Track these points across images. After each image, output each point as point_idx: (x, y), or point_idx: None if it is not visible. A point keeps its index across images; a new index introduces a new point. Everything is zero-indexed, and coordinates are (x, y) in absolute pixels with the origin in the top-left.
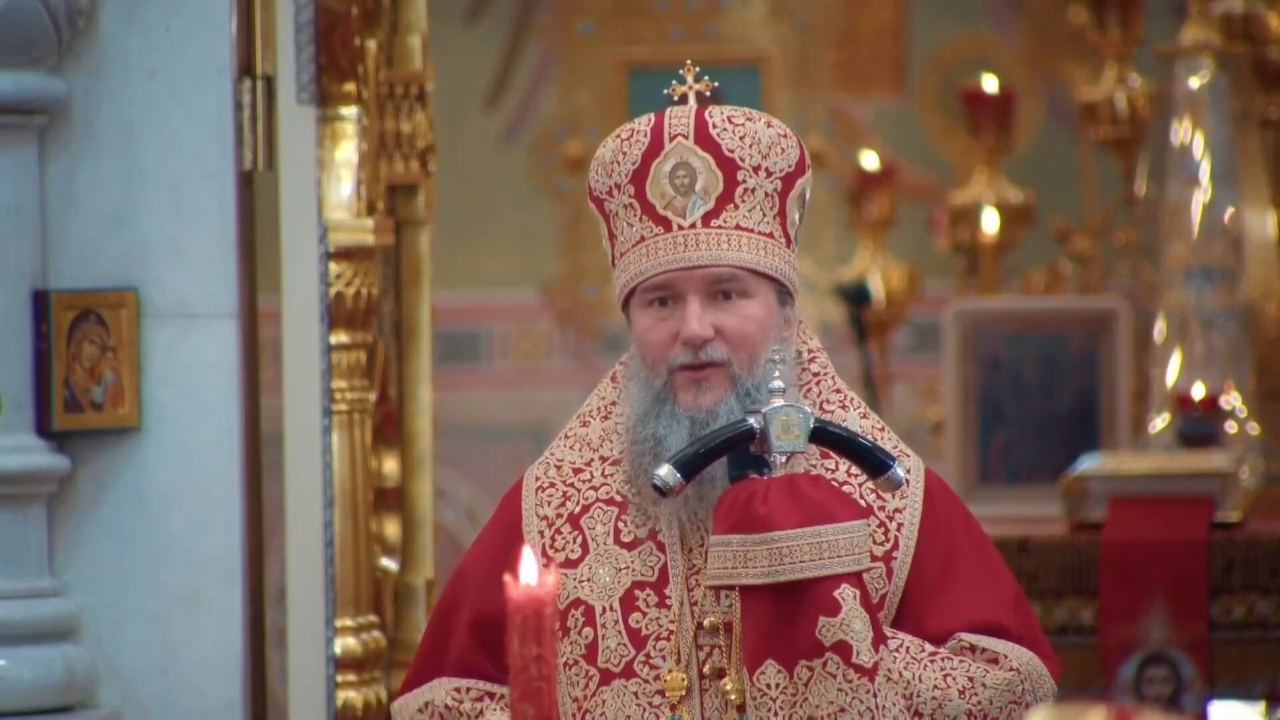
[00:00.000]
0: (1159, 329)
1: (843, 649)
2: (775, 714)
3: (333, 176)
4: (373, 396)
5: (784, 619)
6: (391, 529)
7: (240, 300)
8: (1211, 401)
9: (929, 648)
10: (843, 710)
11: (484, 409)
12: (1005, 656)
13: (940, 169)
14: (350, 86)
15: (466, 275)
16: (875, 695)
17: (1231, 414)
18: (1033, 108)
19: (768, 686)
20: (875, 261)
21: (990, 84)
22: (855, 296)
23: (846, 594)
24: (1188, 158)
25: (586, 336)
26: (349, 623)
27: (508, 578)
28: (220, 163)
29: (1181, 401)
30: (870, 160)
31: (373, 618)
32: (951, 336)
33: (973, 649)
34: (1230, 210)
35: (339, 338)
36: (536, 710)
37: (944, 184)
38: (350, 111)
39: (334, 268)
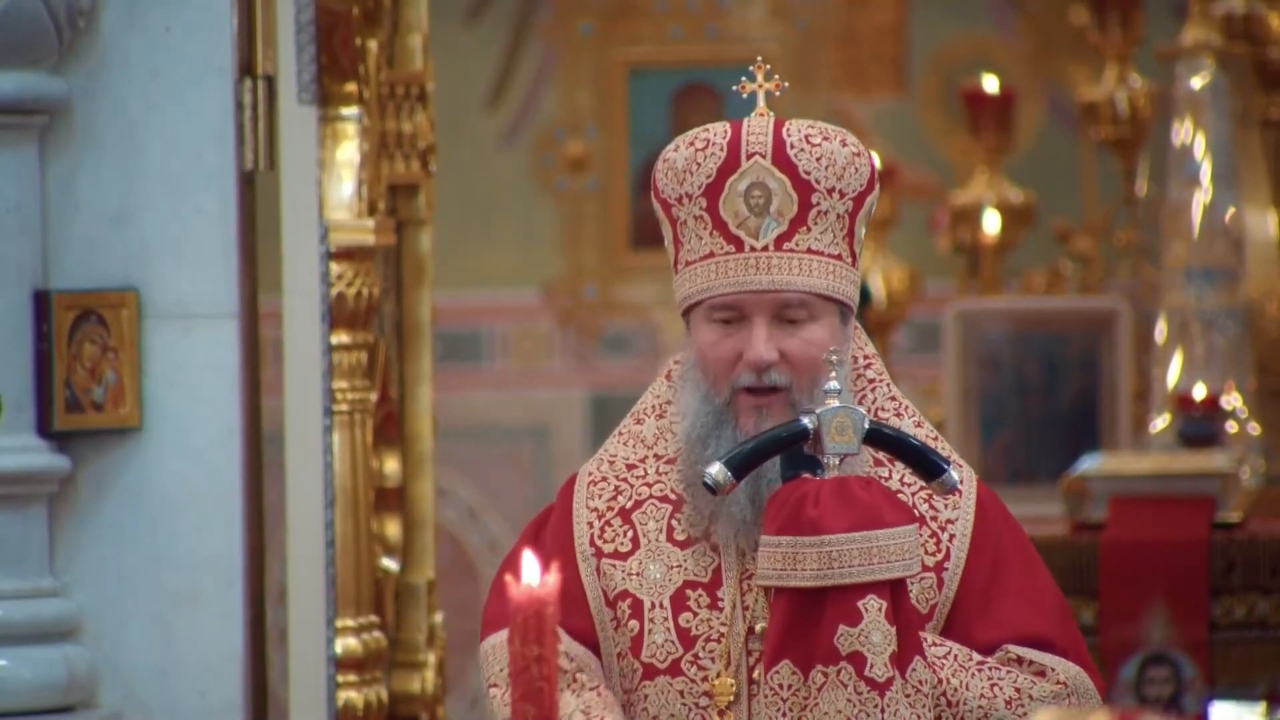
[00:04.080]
0: (1160, 329)
1: (857, 660)
2: (783, 715)
3: (334, 176)
4: (373, 396)
5: (807, 622)
6: (392, 529)
7: (241, 300)
8: (1212, 402)
9: (977, 657)
10: None
11: (484, 409)
12: (1052, 670)
13: (941, 169)
14: (351, 87)
15: (467, 275)
16: (883, 711)
17: (1232, 414)
18: (1033, 108)
19: (780, 686)
20: (876, 261)
21: (991, 84)
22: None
23: (871, 605)
24: (1188, 158)
25: (587, 336)
26: (350, 623)
27: (508, 578)
28: (221, 163)
29: (1182, 402)
30: (874, 163)
31: (373, 618)
32: (952, 336)
33: (1020, 661)
34: (1231, 210)
35: (340, 338)
36: (537, 710)
37: (945, 184)
38: (351, 111)
39: (335, 268)
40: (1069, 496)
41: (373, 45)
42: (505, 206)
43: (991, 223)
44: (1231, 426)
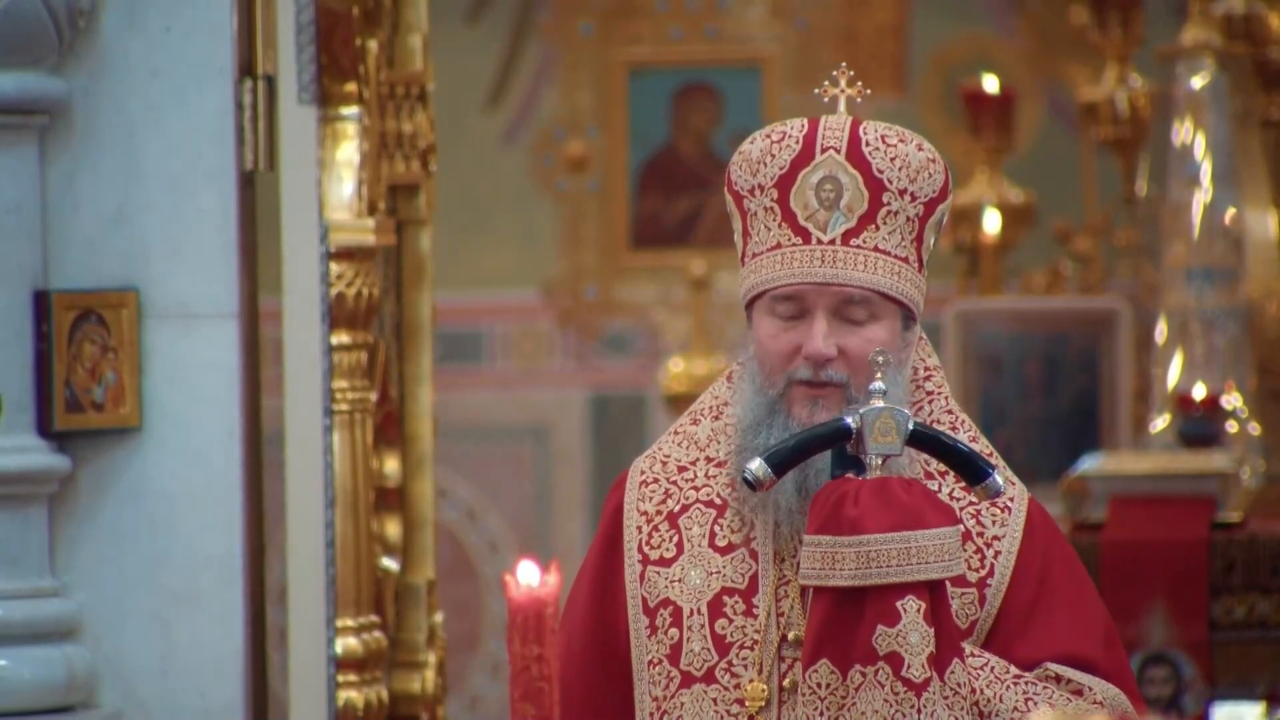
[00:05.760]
0: (1160, 329)
1: (895, 660)
2: (821, 714)
3: (334, 177)
4: (374, 396)
5: (846, 621)
6: (392, 529)
7: (241, 300)
8: (1212, 401)
9: (1014, 670)
10: None
11: (484, 409)
12: (1090, 689)
13: None
14: (351, 87)
15: (467, 275)
16: (920, 711)
17: (1232, 414)
18: (1034, 108)
19: (818, 685)
20: None
21: (991, 84)
22: None
23: (910, 605)
24: (1189, 158)
25: (587, 337)
26: (350, 623)
27: (508, 578)
28: (221, 163)
29: (1182, 401)
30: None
31: (374, 618)
32: (953, 336)
33: (1058, 679)
34: (1231, 210)
35: (340, 338)
36: (537, 710)
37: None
38: (351, 112)
39: (335, 268)
40: (1069, 496)
41: (373, 45)
42: (505, 206)
43: (991, 223)
44: (1231, 426)
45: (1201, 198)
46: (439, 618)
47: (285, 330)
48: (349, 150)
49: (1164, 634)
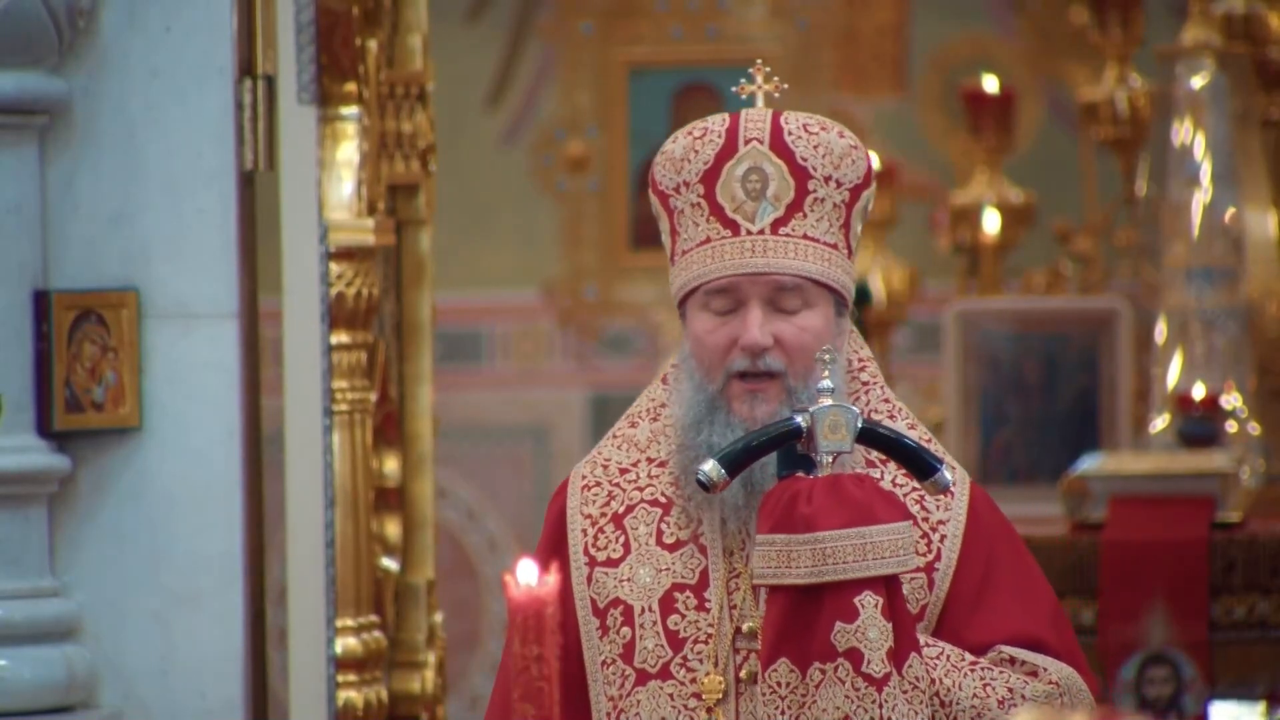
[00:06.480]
0: (1160, 329)
1: (854, 656)
2: (783, 713)
3: (333, 176)
4: (373, 396)
5: (804, 619)
6: (392, 529)
7: (241, 300)
8: (1212, 401)
9: (969, 657)
10: (847, 717)
11: (484, 409)
12: (1045, 670)
13: (941, 169)
14: (351, 86)
15: (467, 275)
16: (881, 706)
17: (1232, 414)
18: (1033, 108)
19: (778, 684)
20: (876, 261)
21: (991, 84)
22: (856, 297)
23: (867, 601)
24: (1188, 158)
25: (587, 337)
26: (350, 623)
27: (508, 578)
28: (221, 163)
29: (1182, 401)
30: (871, 160)
31: (374, 618)
32: (952, 336)
33: (1013, 661)
34: (1231, 210)
35: (340, 338)
36: (537, 710)
37: (945, 184)
38: (351, 111)
39: (335, 268)
40: (1069, 496)
41: (373, 45)
42: (505, 206)
43: (991, 223)
44: (1231, 426)
45: (1201, 198)
46: (439, 618)
47: (285, 330)
48: (349, 150)
49: (1164, 634)
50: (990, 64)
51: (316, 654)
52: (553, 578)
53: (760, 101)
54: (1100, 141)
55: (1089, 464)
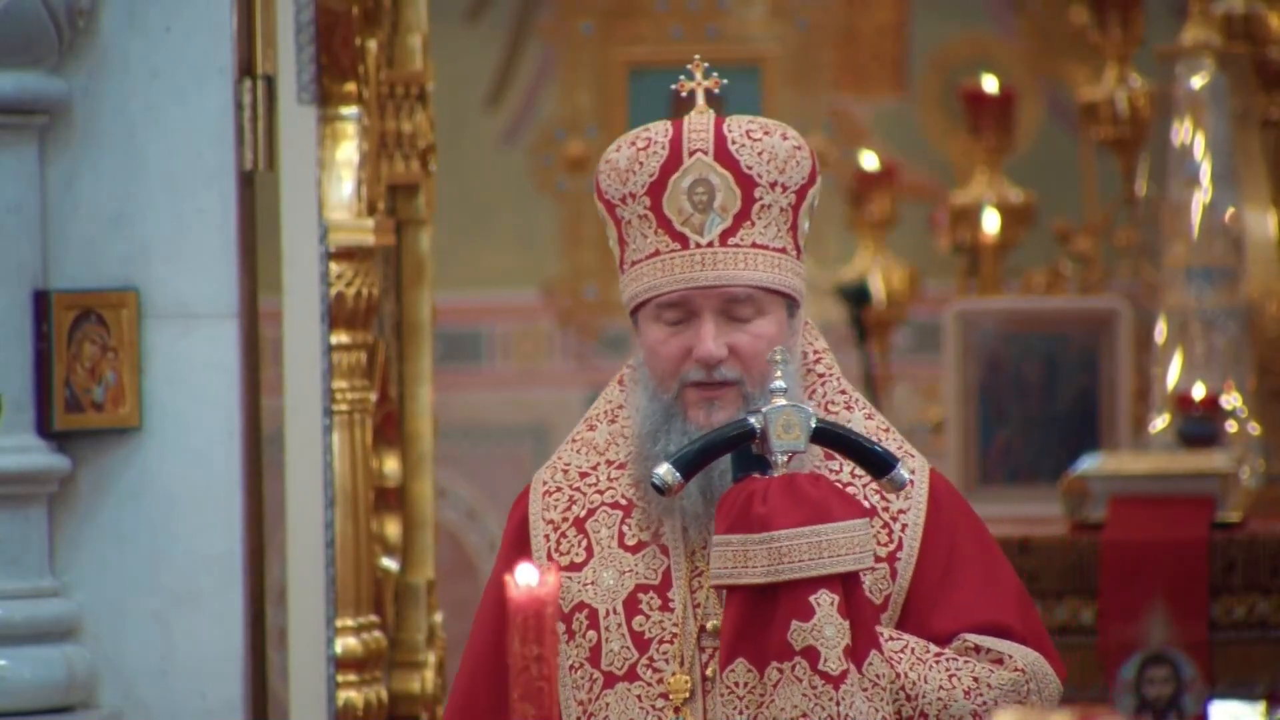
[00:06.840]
0: (1160, 329)
1: (811, 654)
2: (740, 713)
3: (333, 176)
4: (373, 396)
5: (760, 619)
6: (392, 529)
7: (241, 300)
8: (1212, 401)
9: (934, 648)
10: (805, 716)
11: (484, 409)
12: (1010, 657)
13: (941, 169)
14: (351, 86)
15: (467, 275)
16: (839, 704)
17: (1232, 414)
18: (1033, 108)
19: (736, 684)
20: (876, 261)
21: (991, 84)
22: (856, 296)
23: (824, 599)
24: (1188, 158)
25: (587, 337)
26: (350, 623)
27: (508, 578)
28: (221, 163)
29: (1182, 401)
30: (871, 160)
31: (373, 618)
32: (952, 336)
33: (977, 649)
34: (1231, 210)
35: (339, 338)
36: (537, 710)
37: (945, 184)
38: (351, 111)
39: (335, 268)
40: (1069, 496)
41: (373, 45)
42: (505, 206)
43: (991, 223)
44: (1231, 426)
45: (1201, 198)
46: (439, 618)
47: (285, 330)
48: (349, 150)
49: (1164, 634)
50: (990, 64)
51: (316, 654)
52: (553, 578)
53: (700, 99)
54: (1100, 141)
55: (1089, 464)
